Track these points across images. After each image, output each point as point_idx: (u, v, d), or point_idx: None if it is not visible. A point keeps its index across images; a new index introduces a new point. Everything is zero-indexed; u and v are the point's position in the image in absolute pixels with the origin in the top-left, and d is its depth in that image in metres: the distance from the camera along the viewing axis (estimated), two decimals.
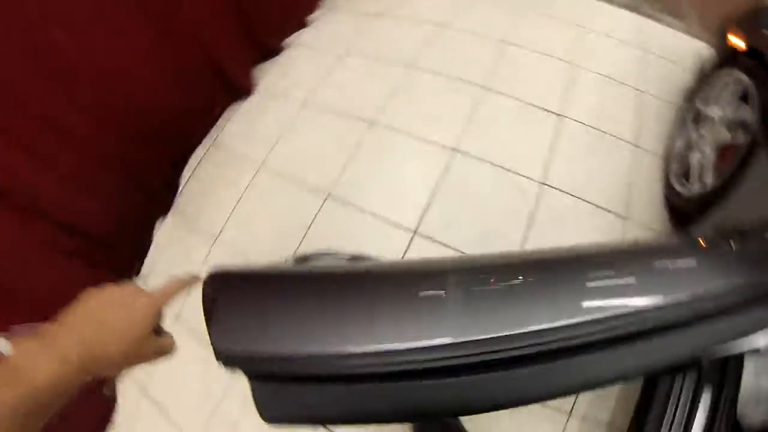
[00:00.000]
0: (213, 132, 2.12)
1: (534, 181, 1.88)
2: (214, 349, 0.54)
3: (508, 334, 0.63)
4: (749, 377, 1.23)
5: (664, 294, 0.75)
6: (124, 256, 1.78)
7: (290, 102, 2.14)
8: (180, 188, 2.00)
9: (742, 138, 1.55)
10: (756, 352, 0.92)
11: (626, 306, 0.75)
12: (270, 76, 2.25)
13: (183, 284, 0.58)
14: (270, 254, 1.76)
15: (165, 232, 1.92)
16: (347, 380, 0.57)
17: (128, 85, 1.57)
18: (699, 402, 1.18)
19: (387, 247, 1.73)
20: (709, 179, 1.64)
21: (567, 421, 1.50)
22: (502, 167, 1.90)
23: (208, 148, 2.08)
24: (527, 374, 0.68)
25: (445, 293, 0.64)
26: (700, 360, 0.93)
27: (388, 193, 1.87)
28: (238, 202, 1.90)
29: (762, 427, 1.18)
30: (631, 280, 0.78)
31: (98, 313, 0.47)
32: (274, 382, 0.59)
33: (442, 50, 2.24)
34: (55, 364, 0.40)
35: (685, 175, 1.80)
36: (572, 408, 1.52)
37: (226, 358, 0.55)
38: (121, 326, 0.48)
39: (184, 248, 1.86)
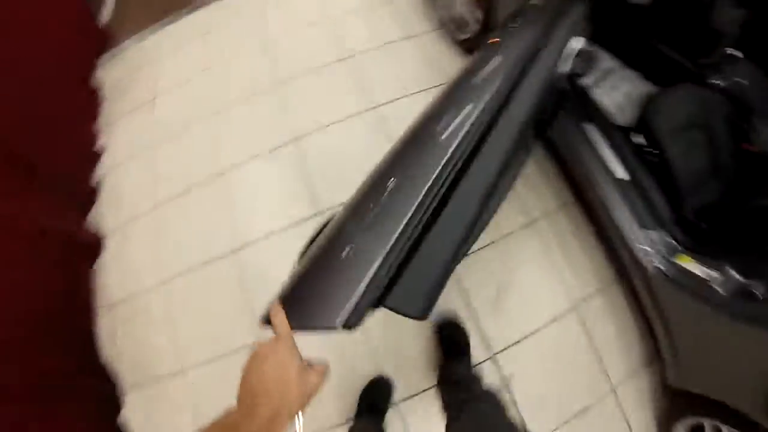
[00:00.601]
0: (100, 298, 1.98)
1: (370, 110, 2.08)
2: (343, 328, 0.66)
3: (415, 205, 0.79)
4: (605, 97, 1.54)
5: (494, 86, 0.98)
6: None
7: (141, 219, 2.08)
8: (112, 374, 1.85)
9: None
10: (580, 56, 1.22)
11: (474, 111, 0.94)
12: (105, 216, 2.15)
13: (278, 309, 0.63)
14: (235, 333, 1.76)
15: (134, 411, 1.77)
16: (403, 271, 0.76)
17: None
18: (598, 138, 1.45)
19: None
20: (479, 16, 1.95)
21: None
22: (340, 121, 2.08)
23: (107, 314, 1.95)
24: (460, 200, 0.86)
25: (351, 246, 0.76)
26: (560, 89, 1.21)
27: (277, 207, 1.95)
28: (174, 327, 1.84)
29: (636, 124, 1.45)
30: (469, 106, 0.97)
31: (260, 383, 0.53)
32: (386, 297, 0.73)
33: (225, 84, 2.32)
34: None
35: (463, 25, 2.12)
36: (537, 218, 1.85)
37: (352, 321, 0.67)
38: (278, 381, 0.54)
39: (165, 401, 1.76)
